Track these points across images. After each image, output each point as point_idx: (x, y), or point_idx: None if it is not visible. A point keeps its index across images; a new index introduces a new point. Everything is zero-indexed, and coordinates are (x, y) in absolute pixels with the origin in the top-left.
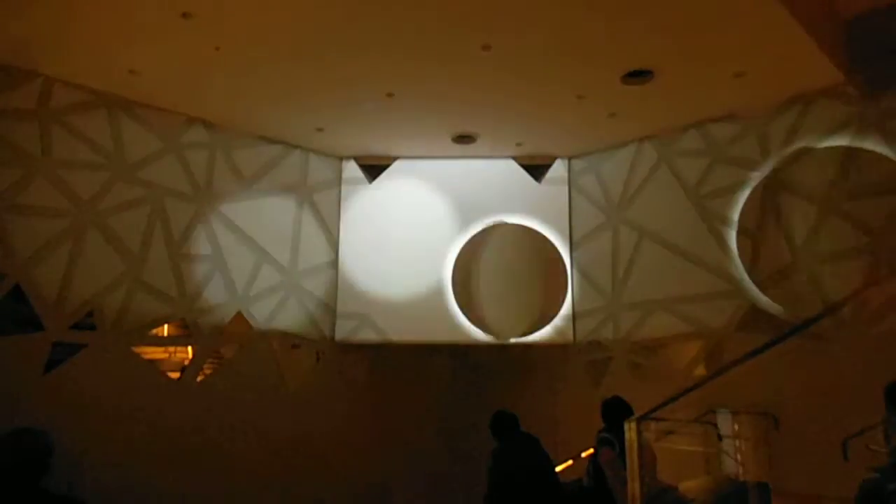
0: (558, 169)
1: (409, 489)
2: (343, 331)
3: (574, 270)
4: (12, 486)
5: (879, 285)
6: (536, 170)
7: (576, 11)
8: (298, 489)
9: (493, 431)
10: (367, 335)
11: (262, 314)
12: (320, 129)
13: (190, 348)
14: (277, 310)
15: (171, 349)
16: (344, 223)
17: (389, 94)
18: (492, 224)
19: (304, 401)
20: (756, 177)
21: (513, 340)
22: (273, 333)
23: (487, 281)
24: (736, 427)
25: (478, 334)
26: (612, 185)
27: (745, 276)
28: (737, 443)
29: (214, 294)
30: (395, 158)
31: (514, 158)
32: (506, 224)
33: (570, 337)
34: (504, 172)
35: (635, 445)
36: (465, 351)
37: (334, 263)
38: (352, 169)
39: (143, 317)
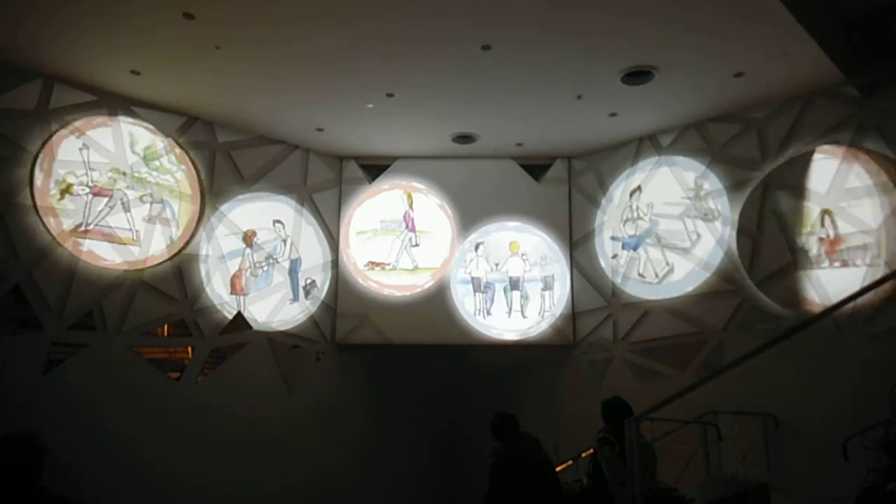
0: (558, 169)
1: (409, 489)
2: (343, 331)
3: (574, 270)
4: (9, 486)
5: (879, 285)
6: (536, 170)
7: (576, 12)
8: (298, 488)
9: (494, 432)
10: (367, 335)
11: (262, 314)
12: (320, 129)
13: (190, 348)
14: (277, 310)
15: (171, 349)
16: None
17: (389, 94)
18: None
19: (304, 401)
20: (756, 176)
21: (513, 340)
22: (273, 333)
23: None
24: (736, 427)
25: (478, 334)
26: (611, 185)
27: (745, 276)
28: (737, 443)
29: (214, 294)
30: (395, 158)
31: (514, 158)
32: None
33: (570, 337)
34: (504, 172)
35: (635, 445)
36: (465, 351)
37: (334, 263)
38: (352, 169)
39: (143, 317)
